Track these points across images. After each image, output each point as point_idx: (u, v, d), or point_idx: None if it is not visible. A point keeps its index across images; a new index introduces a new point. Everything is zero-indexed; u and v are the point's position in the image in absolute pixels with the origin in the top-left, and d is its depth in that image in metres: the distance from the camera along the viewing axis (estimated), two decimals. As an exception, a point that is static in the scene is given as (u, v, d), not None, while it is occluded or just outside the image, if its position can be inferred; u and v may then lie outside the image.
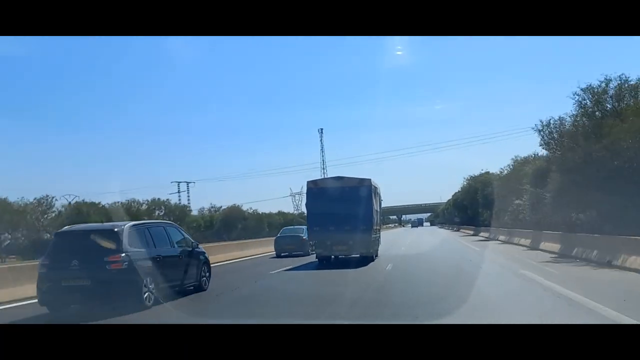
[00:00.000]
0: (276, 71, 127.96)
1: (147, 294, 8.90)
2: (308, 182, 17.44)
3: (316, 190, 17.02)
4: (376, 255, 17.94)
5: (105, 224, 10.60)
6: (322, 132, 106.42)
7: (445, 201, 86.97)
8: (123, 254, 8.65)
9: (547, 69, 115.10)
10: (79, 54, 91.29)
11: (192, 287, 10.79)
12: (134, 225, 9.52)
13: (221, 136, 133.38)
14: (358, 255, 16.70)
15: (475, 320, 6.74)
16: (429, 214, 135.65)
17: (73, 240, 8.94)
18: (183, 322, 6.82)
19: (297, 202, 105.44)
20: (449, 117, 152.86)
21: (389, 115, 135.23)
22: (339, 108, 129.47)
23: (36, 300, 9.12)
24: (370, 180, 17.11)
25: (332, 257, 17.25)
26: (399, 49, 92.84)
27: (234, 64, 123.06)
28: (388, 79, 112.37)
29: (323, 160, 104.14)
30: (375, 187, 17.97)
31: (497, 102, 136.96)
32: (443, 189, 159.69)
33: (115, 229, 8.95)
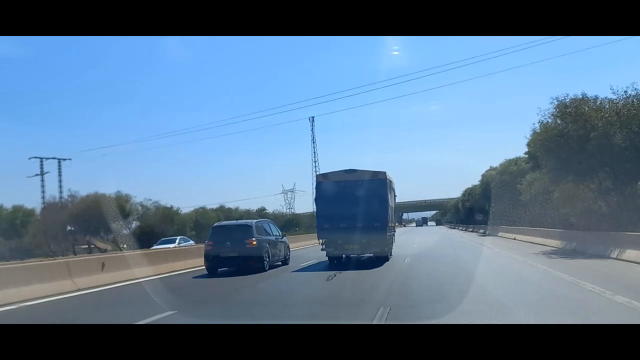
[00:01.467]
0: (271, 71, 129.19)
1: (265, 262, 15.08)
2: (317, 176, 16.76)
3: (326, 185, 16.03)
4: (390, 255, 17.21)
5: (240, 220, 17.28)
6: (313, 121, 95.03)
7: (461, 193, 65.72)
8: (254, 238, 14.90)
9: (547, 67, 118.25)
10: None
11: (280, 263, 16.99)
12: (256, 221, 16.25)
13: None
14: (372, 255, 16.13)
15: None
16: (434, 212, 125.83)
17: (225, 230, 15.48)
18: (183, 322, 7.24)
19: (289, 199, 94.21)
20: (446, 117, 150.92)
21: (386, 115, 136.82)
22: (335, 108, 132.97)
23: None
24: (385, 173, 16.09)
25: (344, 256, 16.64)
26: (395, 49, 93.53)
27: (229, 63, 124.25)
28: (384, 78, 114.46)
29: (314, 152, 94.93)
30: (391, 181, 16.91)
31: (495, 100, 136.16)
32: (449, 184, 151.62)
33: (249, 224, 15.50)
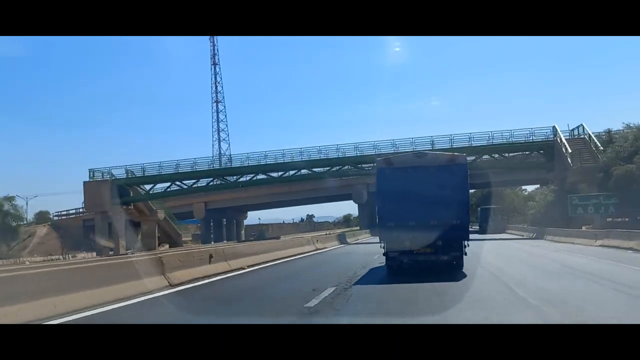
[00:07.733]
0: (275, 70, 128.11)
1: None
2: (378, 161, 13.52)
3: (390, 172, 12.85)
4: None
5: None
6: (215, 42, 68.92)
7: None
8: None
9: (547, 65, 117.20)
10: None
11: None
12: None
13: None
14: (445, 260, 12.24)
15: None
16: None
17: None
18: (183, 322, 7.10)
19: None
20: (447, 114, 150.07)
21: (387, 112, 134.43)
22: (336, 106, 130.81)
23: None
24: (464, 156, 13.49)
25: (406, 261, 12.90)
26: (397, 46, 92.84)
27: (229, 61, 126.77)
28: (386, 76, 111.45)
29: (216, 85, 72.68)
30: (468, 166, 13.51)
31: (495, 98, 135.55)
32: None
33: None
